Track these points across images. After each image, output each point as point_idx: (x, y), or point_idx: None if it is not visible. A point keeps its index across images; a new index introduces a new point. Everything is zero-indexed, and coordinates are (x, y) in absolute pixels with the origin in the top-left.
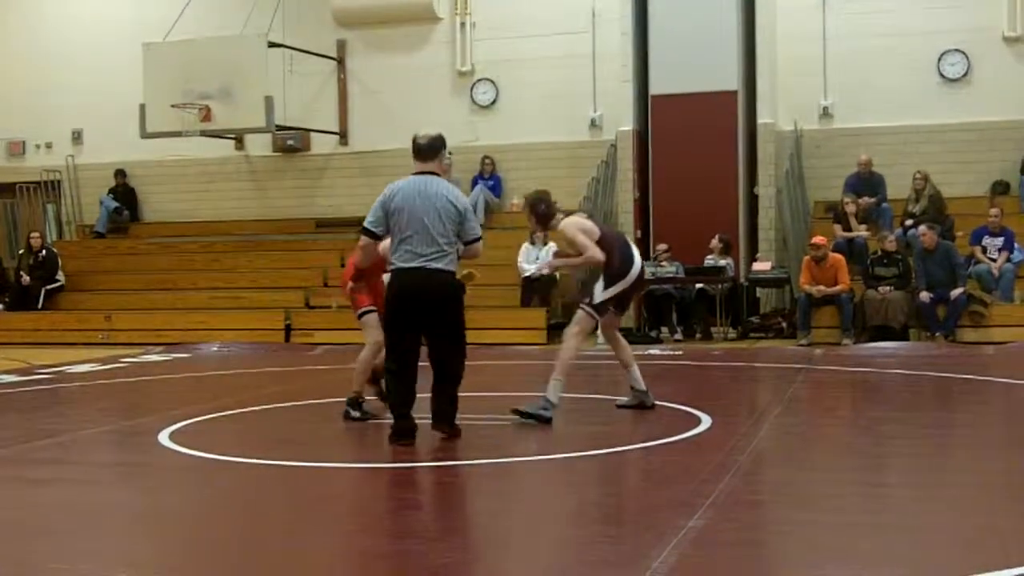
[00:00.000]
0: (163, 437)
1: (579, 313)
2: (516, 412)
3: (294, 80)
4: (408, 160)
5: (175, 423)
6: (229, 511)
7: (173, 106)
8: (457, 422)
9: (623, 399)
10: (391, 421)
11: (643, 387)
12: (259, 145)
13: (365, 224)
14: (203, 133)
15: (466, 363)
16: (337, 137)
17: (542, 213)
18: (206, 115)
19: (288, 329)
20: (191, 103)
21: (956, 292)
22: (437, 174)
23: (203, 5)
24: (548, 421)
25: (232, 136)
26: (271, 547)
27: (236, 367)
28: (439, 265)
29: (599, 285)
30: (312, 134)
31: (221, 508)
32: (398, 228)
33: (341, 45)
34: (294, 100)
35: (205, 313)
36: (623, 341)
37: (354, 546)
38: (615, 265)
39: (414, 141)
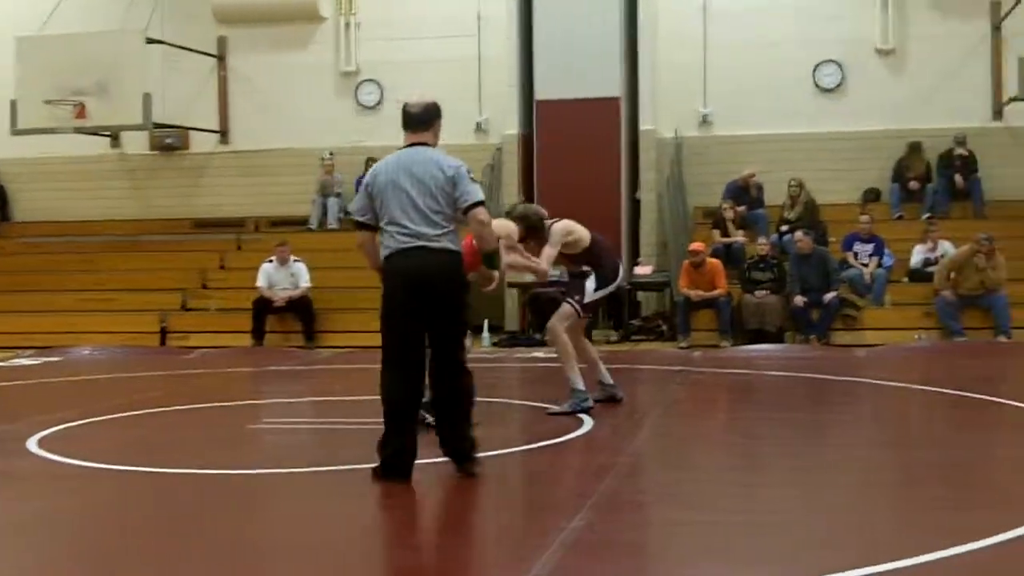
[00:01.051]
0: (32, 444)
1: (565, 307)
2: (554, 414)
3: (174, 77)
4: (288, 159)
5: (45, 429)
6: (100, 519)
7: (46, 102)
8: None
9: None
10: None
11: (610, 381)
12: (136, 143)
13: (352, 216)
14: (77, 130)
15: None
16: (218, 136)
17: (534, 226)
18: (80, 112)
19: (164, 332)
20: (65, 99)
21: (829, 296)
22: (430, 145)
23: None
24: (590, 408)
25: (108, 134)
26: (143, 558)
27: (109, 371)
28: (438, 244)
29: (591, 285)
30: (192, 132)
31: (91, 516)
32: (385, 210)
33: (222, 42)
34: (173, 97)
35: (77, 316)
36: (587, 339)
37: (228, 558)
38: (607, 269)
39: (404, 109)
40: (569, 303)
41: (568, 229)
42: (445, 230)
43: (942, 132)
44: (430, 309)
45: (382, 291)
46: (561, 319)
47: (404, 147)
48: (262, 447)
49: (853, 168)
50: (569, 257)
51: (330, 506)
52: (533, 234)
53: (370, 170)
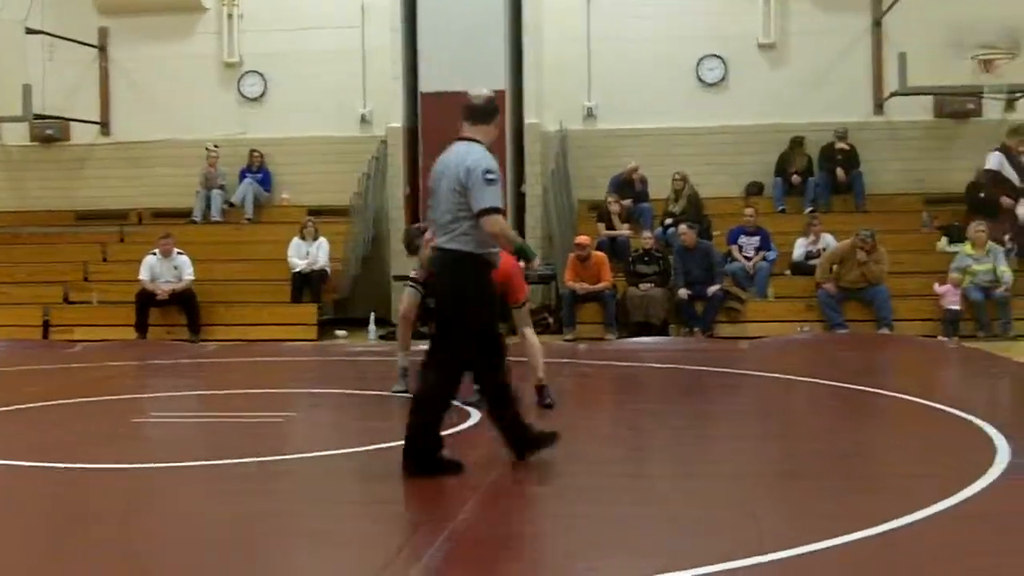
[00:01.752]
0: None
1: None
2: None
3: (54, 68)
4: (171, 151)
5: None
6: None
7: None
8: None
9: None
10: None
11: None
12: (16, 134)
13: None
14: None
15: (443, 383)
16: (99, 127)
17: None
18: None
19: (46, 325)
20: None
21: (713, 289)
22: (478, 141)
23: None
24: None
25: None
26: (28, 554)
27: None
28: (443, 243)
29: None
30: (72, 124)
31: None
32: (432, 205)
33: (103, 32)
34: (53, 88)
35: None
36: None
37: (116, 555)
38: None
39: (467, 100)
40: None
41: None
42: (453, 231)
43: (824, 126)
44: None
45: None
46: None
47: (456, 140)
48: (147, 441)
49: (736, 162)
50: None
51: (213, 501)
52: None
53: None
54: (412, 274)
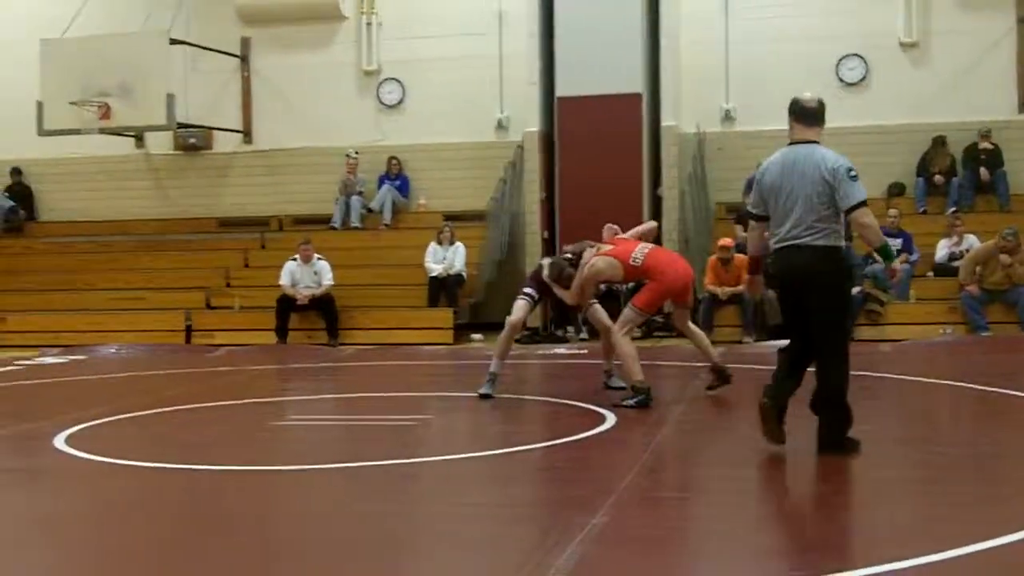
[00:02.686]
0: (59, 441)
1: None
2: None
3: (197, 77)
4: (311, 158)
5: (71, 427)
6: (127, 516)
7: (71, 103)
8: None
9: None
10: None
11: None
12: (160, 143)
13: (747, 207)
14: (102, 131)
15: (843, 367)
16: (240, 135)
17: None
18: (105, 113)
19: (189, 330)
20: (90, 100)
21: (854, 291)
22: (817, 142)
23: (104, 1)
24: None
25: (132, 134)
26: (170, 554)
27: (135, 369)
28: (809, 240)
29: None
30: (215, 132)
31: (118, 513)
32: (771, 209)
33: (245, 42)
34: (197, 98)
35: (103, 314)
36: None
37: (255, 554)
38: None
39: (798, 103)
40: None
41: (589, 275)
42: (820, 229)
43: (966, 126)
44: (803, 302)
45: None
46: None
47: (792, 143)
48: (287, 444)
49: (877, 162)
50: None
51: (355, 503)
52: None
53: (761, 166)
54: (526, 289)
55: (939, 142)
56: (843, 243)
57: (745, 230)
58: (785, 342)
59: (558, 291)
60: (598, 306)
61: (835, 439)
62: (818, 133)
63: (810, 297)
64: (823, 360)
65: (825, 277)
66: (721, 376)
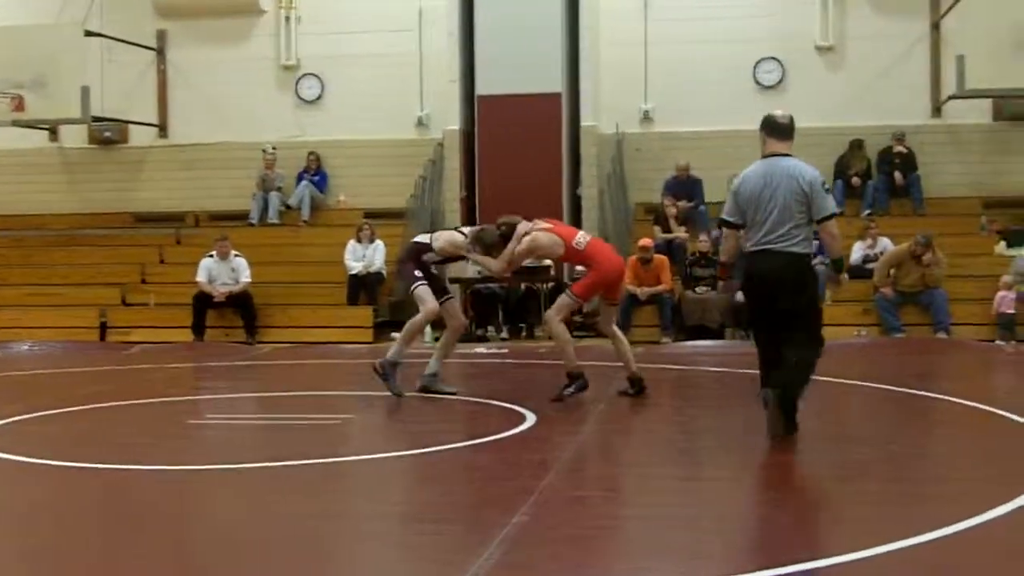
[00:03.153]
0: None
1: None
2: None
3: (112, 70)
4: (229, 153)
5: None
6: (40, 516)
7: None
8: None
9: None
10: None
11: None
12: (75, 137)
13: (722, 215)
14: (15, 123)
15: (818, 347)
16: (156, 129)
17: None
18: (18, 104)
19: (104, 327)
20: (2, 92)
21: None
22: (790, 155)
23: None
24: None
25: (46, 127)
26: (84, 555)
27: (48, 366)
28: (784, 246)
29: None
30: (130, 126)
31: (33, 513)
32: (748, 217)
33: (161, 35)
34: (112, 91)
35: (17, 310)
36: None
37: (170, 555)
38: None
39: (772, 119)
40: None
41: (529, 246)
42: (795, 236)
43: (882, 129)
44: (776, 302)
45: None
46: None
47: (767, 156)
48: (204, 443)
49: None
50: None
51: (272, 502)
52: (499, 245)
53: (739, 177)
54: (417, 274)
55: (856, 145)
56: (812, 250)
57: (664, 231)
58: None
59: (477, 259)
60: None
61: (792, 400)
62: (789, 146)
63: (783, 297)
64: (797, 341)
65: (798, 280)
66: (636, 385)
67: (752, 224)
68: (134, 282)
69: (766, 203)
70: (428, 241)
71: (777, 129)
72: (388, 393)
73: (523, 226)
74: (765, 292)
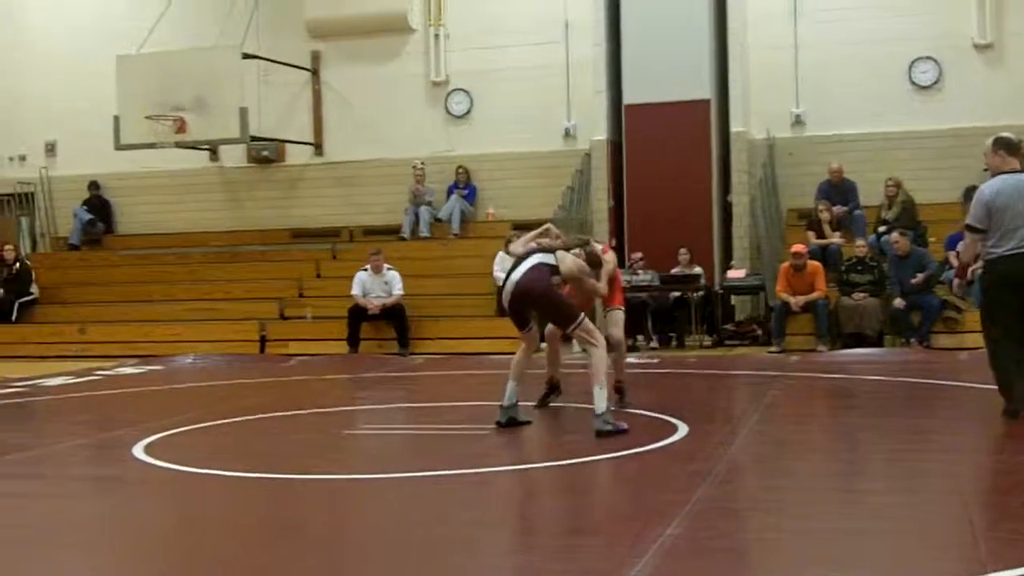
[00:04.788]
0: (138, 450)
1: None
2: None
3: (268, 91)
4: (381, 169)
5: (150, 435)
6: (205, 524)
7: (147, 118)
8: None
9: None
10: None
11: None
12: (233, 156)
13: (969, 222)
14: (177, 145)
15: None
16: (312, 148)
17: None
18: (180, 126)
19: (263, 340)
20: (165, 115)
21: (919, 278)
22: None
23: (177, 16)
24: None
25: (207, 147)
26: (250, 562)
27: (211, 379)
28: (1014, 248)
29: None
30: (287, 145)
31: (197, 521)
32: (1000, 224)
33: (315, 56)
34: (268, 111)
35: (180, 325)
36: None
37: (333, 562)
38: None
39: (1009, 140)
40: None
41: (610, 269)
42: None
43: None
44: None
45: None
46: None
47: (1009, 171)
48: (360, 452)
49: (951, 166)
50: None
51: (425, 511)
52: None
53: (986, 190)
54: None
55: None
56: None
57: (817, 237)
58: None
59: (594, 285)
60: (621, 313)
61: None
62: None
63: None
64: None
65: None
66: (553, 390)
67: (1002, 231)
68: (292, 296)
69: (1018, 212)
70: (554, 263)
71: (1014, 147)
72: (530, 403)
73: (597, 246)
74: (1019, 291)
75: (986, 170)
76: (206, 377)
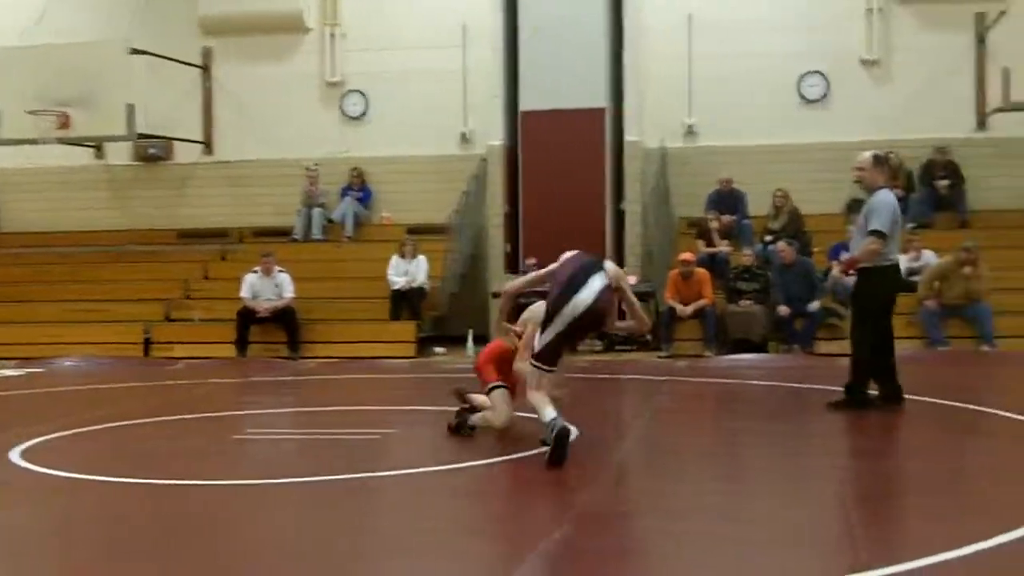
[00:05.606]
0: (14, 455)
1: (529, 369)
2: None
3: (158, 88)
4: (273, 170)
5: (27, 440)
6: (83, 530)
7: (29, 112)
8: None
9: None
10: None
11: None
12: (120, 154)
13: (882, 228)
14: (60, 141)
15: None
16: (202, 146)
17: None
18: (64, 122)
19: (148, 343)
20: (48, 109)
21: (814, 305)
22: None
23: (63, 9)
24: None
25: (91, 144)
26: (128, 569)
27: (93, 382)
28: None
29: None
30: (176, 143)
31: (75, 527)
32: (894, 233)
33: (207, 52)
34: (157, 108)
35: (62, 326)
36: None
37: (217, 569)
38: (552, 299)
39: (885, 157)
40: (531, 363)
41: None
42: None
43: (926, 142)
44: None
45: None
46: (528, 383)
47: (885, 187)
48: (247, 458)
49: (836, 179)
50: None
51: (310, 517)
52: None
53: (893, 199)
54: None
55: (898, 158)
56: None
57: (707, 245)
58: None
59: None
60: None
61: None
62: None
63: None
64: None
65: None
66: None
67: (895, 240)
68: (179, 298)
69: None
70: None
71: (887, 163)
72: (429, 408)
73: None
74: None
75: (858, 182)
76: (88, 380)
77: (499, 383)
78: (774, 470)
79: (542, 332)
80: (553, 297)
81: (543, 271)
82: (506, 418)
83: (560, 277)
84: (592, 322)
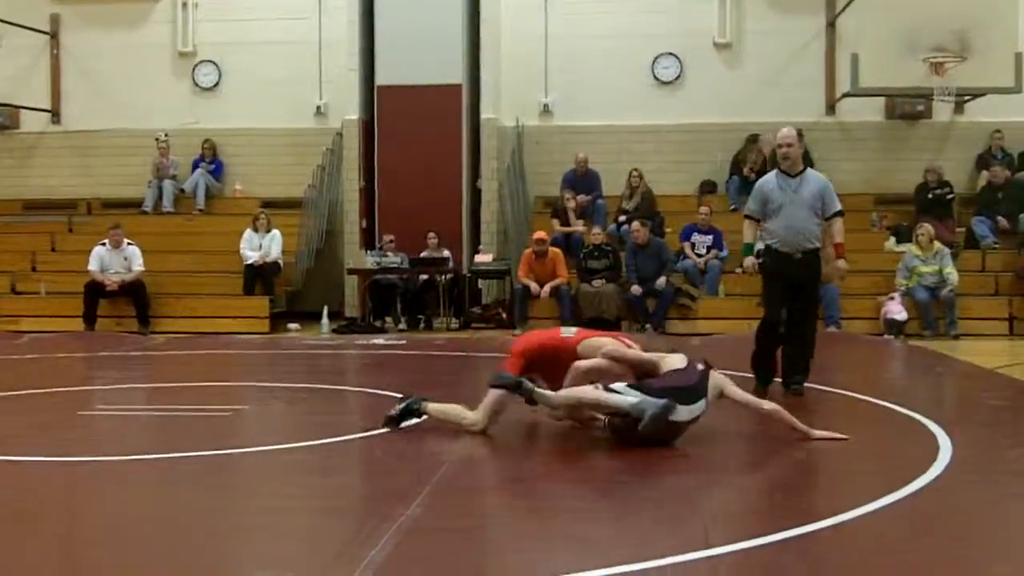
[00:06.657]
0: None
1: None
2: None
3: (3, 54)
4: (123, 140)
5: None
6: None
7: None
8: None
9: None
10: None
11: None
12: None
13: (840, 208)
14: None
15: None
16: (49, 115)
17: None
18: None
19: None
20: None
21: (661, 281)
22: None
23: None
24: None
25: None
26: None
27: None
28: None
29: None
30: (21, 111)
31: None
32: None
33: (55, 19)
34: (2, 75)
35: None
36: None
37: (51, 546)
38: (673, 384)
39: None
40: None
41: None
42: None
43: (777, 126)
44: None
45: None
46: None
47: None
48: (93, 434)
49: (689, 160)
50: None
51: (161, 495)
52: None
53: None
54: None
55: (752, 140)
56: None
57: (563, 224)
58: None
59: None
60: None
61: (805, 366)
62: None
63: None
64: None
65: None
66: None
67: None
68: (24, 270)
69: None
70: None
71: None
72: (282, 384)
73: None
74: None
75: (784, 159)
76: None
77: (514, 380)
78: (625, 448)
79: (630, 386)
80: (677, 385)
81: (655, 357)
82: (482, 427)
83: (688, 380)
84: (655, 432)
